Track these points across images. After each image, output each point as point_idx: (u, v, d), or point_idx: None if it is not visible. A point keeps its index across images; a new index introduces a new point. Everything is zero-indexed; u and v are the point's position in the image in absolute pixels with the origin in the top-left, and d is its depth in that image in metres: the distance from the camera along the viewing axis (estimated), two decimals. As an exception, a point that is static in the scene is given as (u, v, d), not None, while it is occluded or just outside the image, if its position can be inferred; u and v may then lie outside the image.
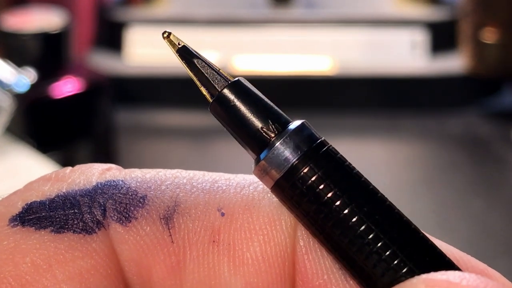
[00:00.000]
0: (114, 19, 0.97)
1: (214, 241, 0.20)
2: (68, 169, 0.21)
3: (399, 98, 0.93)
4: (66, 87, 0.74)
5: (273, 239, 0.20)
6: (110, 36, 0.97)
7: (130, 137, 0.87)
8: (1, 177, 0.64)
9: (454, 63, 0.94)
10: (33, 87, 0.72)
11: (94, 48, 0.96)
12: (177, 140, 0.89)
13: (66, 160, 0.73)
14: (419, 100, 0.94)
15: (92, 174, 0.21)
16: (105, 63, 0.93)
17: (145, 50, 0.95)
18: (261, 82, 0.93)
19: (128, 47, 0.95)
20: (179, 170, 0.21)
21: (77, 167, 0.21)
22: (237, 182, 0.21)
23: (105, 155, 0.80)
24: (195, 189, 0.20)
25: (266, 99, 0.20)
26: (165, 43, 0.21)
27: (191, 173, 0.21)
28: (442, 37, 0.95)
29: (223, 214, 0.20)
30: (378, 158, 0.86)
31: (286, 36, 0.96)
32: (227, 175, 0.21)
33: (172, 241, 0.20)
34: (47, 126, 0.74)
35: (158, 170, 0.21)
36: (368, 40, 0.95)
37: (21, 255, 0.19)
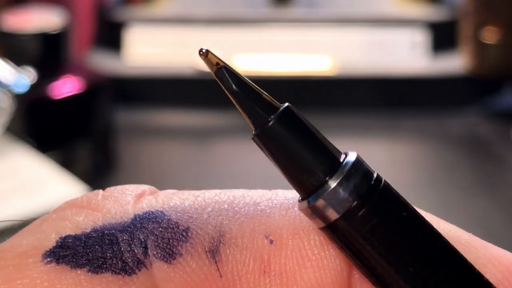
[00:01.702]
0: (114, 19, 0.97)
1: (265, 272, 0.19)
2: (100, 195, 0.20)
3: (399, 98, 0.93)
4: (66, 87, 0.74)
5: (327, 265, 0.19)
6: (110, 36, 0.96)
7: (130, 137, 0.87)
8: (1, 177, 0.64)
9: (455, 63, 0.94)
10: (33, 87, 0.72)
11: (94, 48, 0.96)
12: (177, 140, 0.89)
13: (66, 160, 0.73)
14: (419, 100, 0.94)
15: (127, 202, 0.19)
16: (105, 63, 0.93)
17: (145, 50, 0.95)
18: (261, 82, 0.93)
19: (128, 47, 0.95)
20: (217, 193, 0.20)
21: (109, 192, 0.20)
22: (280, 203, 0.20)
23: (105, 155, 0.80)
24: (238, 215, 0.19)
25: (315, 130, 0.19)
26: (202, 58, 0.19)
27: (230, 195, 0.20)
28: (442, 37, 0.95)
29: (271, 242, 0.19)
30: (378, 158, 0.86)
31: (286, 35, 0.95)
32: (267, 195, 0.20)
33: (221, 275, 0.19)
34: (47, 126, 0.74)
35: (195, 194, 0.20)
36: (368, 40, 0.94)
37: None
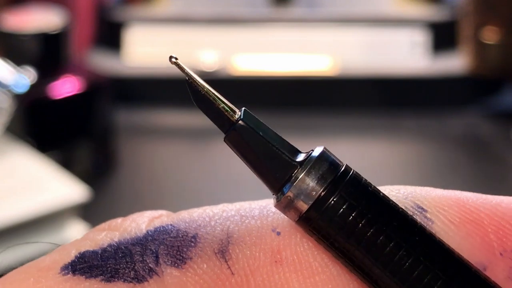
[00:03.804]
0: (113, 19, 0.97)
1: (276, 261, 0.19)
2: (120, 218, 0.21)
3: (399, 98, 0.93)
4: (66, 87, 0.74)
5: None
6: (110, 36, 0.96)
7: (130, 137, 0.87)
8: (1, 177, 0.64)
9: (455, 63, 0.94)
10: (33, 87, 0.72)
11: (93, 48, 0.96)
12: (177, 140, 0.89)
13: (66, 160, 0.73)
14: (419, 100, 0.94)
15: (143, 222, 0.21)
16: (105, 63, 0.93)
17: (145, 50, 0.95)
18: (261, 82, 0.93)
19: (128, 47, 0.95)
20: (225, 204, 0.21)
21: (129, 216, 0.21)
22: None
23: (105, 155, 0.80)
24: (244, 218, 0.20)
25: (274, 131, 0.20)
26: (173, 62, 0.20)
27: (237, 205, 0.21)
28: (442, 37, 0.95)
29: (279, 234, 0.19)
30: (378, 158, 0.86)
31: (286, 35, 0.95)
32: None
33: (233, 273, 0.19)
34: (46, 126, 0.74)
35: (204, 208, 0.21)
36: (368, 40, 0.94)
37: None
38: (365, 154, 0.86)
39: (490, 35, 0.91)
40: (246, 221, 0.20)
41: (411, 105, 0.93)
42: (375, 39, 0.95)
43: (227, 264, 0.19)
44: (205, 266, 0.19)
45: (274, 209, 0.20)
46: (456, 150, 0.87)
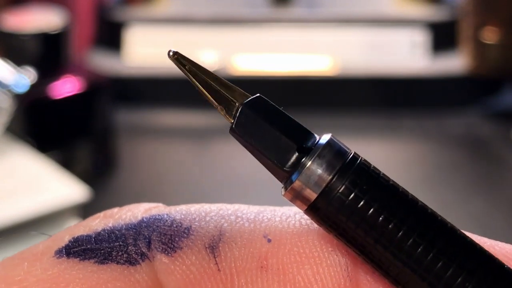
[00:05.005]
0: (114, 19, 0.97)
1: (262, 267, 0.20)
2: (116, 208, 0.22)
3: (399, 98, 0.93)
4: (66, 87, 0.74)
5: (325, 261, 0.19)
6: (110, 36, 0.96)
7: (130, 137, 0.87)
8: (1, 177, 0.64)
9: (455, 63, 0.94)
10: (33, 87, 0.72)
11: (94, 48, 0.96)
12: (177, 140, 0.89)
13: (66, 160, 0.73)
14: (419, 100, 0.94)
15: (139, 210, 0.21)
16: (105, 63, 0.93)
17: (145, 50, 0.95)
18: (261, 82, 0.93)
19: (128, 47, 0.95)
20: (224, 204, 0.21)
21: (126, 206, 0.22)
22: (282, 212, 0.21)
23: (105, 155, 0.80)
24: (239, 219, 0.20)
25: (287, 115, 0.19)
26: (173, 61, 0.20)
27: (235, 205, 0.21)
28: (442, 37, 0.95)
29: (269, 241, 0.20)
30: (378, 158, 0.86)
31: (286, 35, 0.95)
32: (272, 207, 0.21)
33: (219, 269, 0.20)
34: (47, 126, 0.74)
35: (203, 204, 0.21)
36: (368, 40, 0.95)
37: (64, 284, 0.20)
38: (365, 154, 0.85)
39: (490, 35, 0.91)
40: (240, 223, 0.20)
41: (411, 105, 0.93)
42: (375, 39, 0.95)
43: (215, 260, 0.20)
44: (193, 258, 0.20)
45: (269, 215, 0.20)
46: (456, 150, 0.87)
